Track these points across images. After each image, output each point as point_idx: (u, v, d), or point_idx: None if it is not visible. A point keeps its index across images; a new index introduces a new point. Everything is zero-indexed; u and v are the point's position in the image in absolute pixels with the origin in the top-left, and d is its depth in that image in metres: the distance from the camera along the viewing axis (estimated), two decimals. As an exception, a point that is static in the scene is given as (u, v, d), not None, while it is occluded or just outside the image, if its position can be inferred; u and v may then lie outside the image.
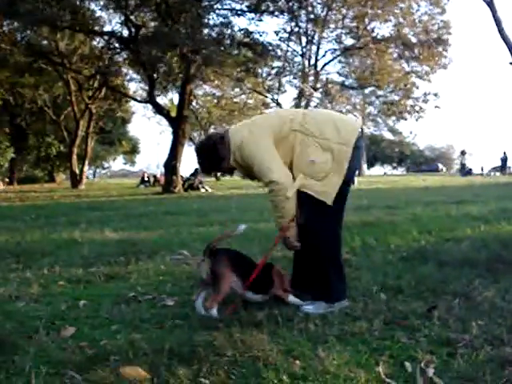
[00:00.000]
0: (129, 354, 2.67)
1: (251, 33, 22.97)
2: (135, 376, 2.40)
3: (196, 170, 25.20)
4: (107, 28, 26.45)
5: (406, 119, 35.63)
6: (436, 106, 36.09)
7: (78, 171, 32.41)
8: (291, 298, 3.58)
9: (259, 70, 26.78)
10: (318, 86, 32.00)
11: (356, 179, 26.84)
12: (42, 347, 2.90)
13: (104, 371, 2.46)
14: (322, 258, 3.54)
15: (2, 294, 4.25)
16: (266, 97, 34.91)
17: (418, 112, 33.85)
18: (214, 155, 3.72)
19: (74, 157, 32.55)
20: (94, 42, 29.46)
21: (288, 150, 3.53)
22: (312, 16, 29.06)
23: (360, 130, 3.66)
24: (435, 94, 34.15)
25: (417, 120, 33.92)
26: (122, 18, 22.64)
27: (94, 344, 2.92)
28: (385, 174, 71.42)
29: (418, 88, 33.63)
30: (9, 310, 3.74)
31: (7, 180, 43.68)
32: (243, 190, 20.88)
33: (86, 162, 33.81)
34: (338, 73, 35.93)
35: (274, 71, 30.03)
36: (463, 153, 39.73)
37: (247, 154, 3.55)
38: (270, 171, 3.45)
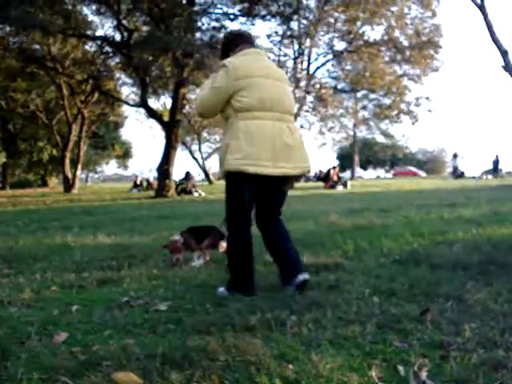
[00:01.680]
0: (121, 360, 2.66)
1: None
2: (128, 381, 2.39)
3: (187, 173, 25.18)
4: (99, 32, 26.58)
5: (401, 122, 35.73)
6: (428, 110, 36.28)
7: (70, 175, 32.34)
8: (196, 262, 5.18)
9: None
10: (311, 89, 32.06)
11: (349, 182, 26.96)
12: (35, 353, 2.88)
13: (96, 377, 2.45)
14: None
15: (-6, 299, 4.23)
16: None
17: (411, 115, 33.97)
18: (224, 48, 4.43)
19: (67, 161, 32.50)
20: (87, 47, 29.52)
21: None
22: (304, 20, 29.15)
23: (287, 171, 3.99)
24: (427, 98, 34.32)
25: (413, 124, 34.06)
26: (115, 23, 22.66)
27: (86, 349, 2.90)
28: (378, 177, 71.58)
29: (410, 91, 33.78)
30: (1, 315, 3.72)
31: (-1, 185, 43.64)
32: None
33: (79, 167, 33.72)
34: (330, 76, 36.04)
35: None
36: (455, 156, 39.78)
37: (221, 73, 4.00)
38: (202, 98, 4.09)
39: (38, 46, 28.25)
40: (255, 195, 4.06)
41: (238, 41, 4.30)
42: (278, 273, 4.22)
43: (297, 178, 4.36)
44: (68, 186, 31.67)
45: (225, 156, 3.93)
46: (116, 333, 3.20)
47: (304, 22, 29.23)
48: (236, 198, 4.01)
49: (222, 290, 4.09)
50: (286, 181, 4.13)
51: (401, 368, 2.50)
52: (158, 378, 2.42)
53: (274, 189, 4.14)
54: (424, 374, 2.41)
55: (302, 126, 35.61)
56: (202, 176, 47.53)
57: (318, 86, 32.56)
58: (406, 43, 31.31)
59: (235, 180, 3.95)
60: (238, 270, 4.07)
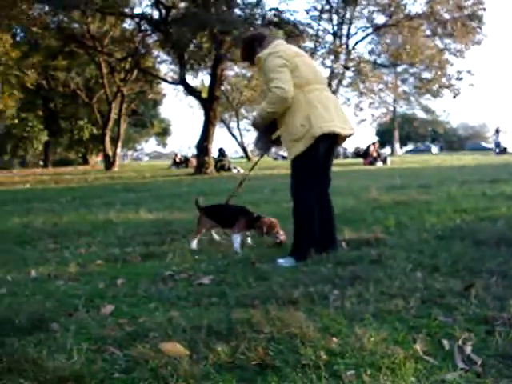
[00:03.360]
0: (167, 331, 2.71)
1: (282, 12, 22.80)
2: (175, 352, 2.44)
3: (220, 149, 25.19)
4: (138, 10, 26.58)
5: (441, 96, 35.04)
6: (470, 84, 35.46)
7: (111, 153, 32.73)
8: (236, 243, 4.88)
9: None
10: (350, 64, 31.65)
11: (389, 158, 26.67)
12: (83, 324, 2.96)
13: (144, 347, 2.50)
14: (296, 213, 4.46)
15: (41, 273, 4.35)
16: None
17: (453, 89, 33.28)
18: (249, 50, 4.64)
19: (107, 139, 32.88)
20: (125, 25, 29.64)
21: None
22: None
23: (341, 132, 4.38)
24: (469, 72, 33.56)
25: (454, 97, 33.29)
26: (153, 0, 22.66)
27: (133, 321, 2.97)
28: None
29: (452, 65, 33.05)
30: (48, 288, 3.83)
31: (41, 163, 44.44)
32: (275, 170, 20.84)
33: (119, 144, 34.10)
34: (369, 51, 35.51)
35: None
36: (497, 131, 38.92)
37: (269, 67, 4.29)
38: (282, 81, 4.20)
39: (77, 25, 28.47)
40: (328, 158, 4.57)
41: (261, 37, 4.62)
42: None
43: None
44: (108, 163, 32.09)
45: (298, 129, 4.27)
46: (161, 305, 3.26)
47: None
48: (314, 161, 4.37)
49: (283, 260, 4.27)
50: (337, 144, 4.62)
51: (445, 342, 2.48)
52: (204, 349, 2.47)
53: (332, 152, 4.64)
54: (469, 348, 2.40)
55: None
56: (241, 153, 47.62)
57: (356, 60, 32.10)
58: (447, 16, 30.58)
59: (317, 144, 4.28)
60: (309, 237, 4.38)
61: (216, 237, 5.43)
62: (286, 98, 4.22)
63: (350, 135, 4.54)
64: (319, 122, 4.23)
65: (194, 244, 5.12)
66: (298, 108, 4.29)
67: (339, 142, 4.57)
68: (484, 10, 30.09)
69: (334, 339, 2.52)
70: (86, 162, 47.66)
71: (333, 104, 4.44)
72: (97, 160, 48.52)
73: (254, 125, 4.66)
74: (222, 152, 24.99)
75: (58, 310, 3.25)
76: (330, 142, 4.41)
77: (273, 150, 5.22)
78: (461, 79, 32.17)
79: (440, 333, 2.61)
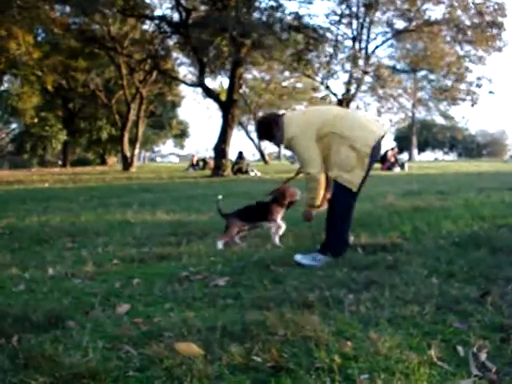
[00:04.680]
0: (182, 331, 2.73)
1: (301, 16, 22.81)
2: (189, 352, 2.45)
3: (240, 153, 25.23)
4: (158, 12, 26.71)
5: (458, 104, 34.85)
6: (490, 92, 35.29)
7: (129, 154, 32.89)
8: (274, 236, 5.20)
9: (309, 55, 26.42)
10: (369, 69, 31.57)
11: (406, 164, 26.54)
12: (98, 323, 2.99)
13: (159, 346, 2.52)
14: (335, 215, 4.55)
15: (59, 271, 4.39)
16: (315, 80, 34.53)
17: (471, 97, 33.07)
18: (267, 131, 4.94)
19: (126, 140, 33.04)
20: (145, 27, 29.81)
21: (325, 147, 4.55)
22: (363, -1, 28.65)
23: (382, 134, 4.63)
24: (489, 80, 33.32)
25: (472, 106, 33.08)
26: (173, 2, 22.76)
27: (148, 320, 3.00)
28: (436, 159, 70.25)
29: (471, 72, 32.84)
30: (65, 286, 3.86)
31: (60, 162, 44.78)
32: (291, 174, 20.81)
33: (137, 145, 34.24)
34: (389, 56, 35.38)
35: (324, 59, 29.52)
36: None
37: (297, 149, 4.67)
38: (311, 166, 4.56)
39: (97, 27, 28.67)
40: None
41: (276, 118, 4.87)
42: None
43: None
44: (126, 164, 32.23)
45: (349, 159, 4.48)
46: (176, 305, 3.28)
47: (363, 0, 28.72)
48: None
49: (307, 261, 4.39)
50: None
51: (460, 348, 2.48)
52: (219, 350, 2.48)
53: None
54: (483, 356, 2.39)
55: (357, 107, 35.14)
56: (258, 156, 47.67)
57: (376, 65, 31.99)
58: (467, 23, 30.38)
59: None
60: (344, 234, 4.61)
61: (237, 241, 5.43)
62: (314, 181, 4.58)
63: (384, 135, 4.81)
64: (362, 141, 4.47)
65: (221, 244, 5.21)
66: (338, 147, 4.51)
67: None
68: (505, 16, 29.84)
69: (349, 343, 2.52)
70: (103, 162, 47.91)
71: (357, 116, 4.86)
72: (115, 160, 48.80)
73: (310, 206, 4.83)
74: (240, 155, 25.02)
75: (75, 307, 3.30)
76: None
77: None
78: (480, 86, 31.93)
79: (455, 339, 2.61)
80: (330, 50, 28.65)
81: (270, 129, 4.88)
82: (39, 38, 30.41)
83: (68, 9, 24.00)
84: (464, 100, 33.37)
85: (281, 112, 5.19)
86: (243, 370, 2.31)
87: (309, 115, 4.90)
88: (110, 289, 3.76)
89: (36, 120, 38.20)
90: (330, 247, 4.47)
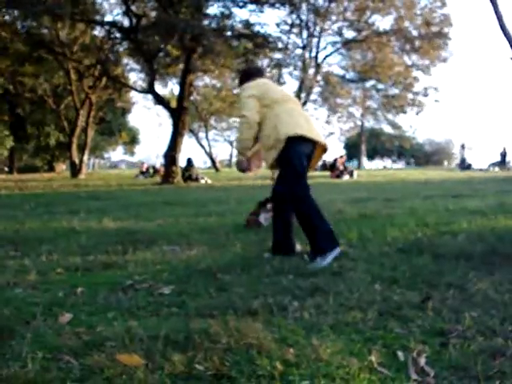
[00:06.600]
0: (125, 341, 2.69)
1: (252, 24, 22.92)
2: (131, 362, 2.42)
3: (189, 160, 25.11)
4: (108, 18, 26.47)
5: (405, 112, 35.62)
6: (436, 100, 36.20)
7: (77, 161, 32.37)
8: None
9: (259, 62, 26.60)
10: (319, 78, 31.95)
11: (355, 172, 26.92)
12: (39, 333, 2.92)
13: (100, 357, 2.48)
14: (299, 217, 4.82)
15: (0, 281, 4.27)
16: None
17: (417, 106, 33.84)
18: (243, 79, 5.32)
19: (74, 146, 32.50)
20: (95, 32, 29.47)
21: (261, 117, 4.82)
22: (314, 8, 28.99)
23: (313, 138, 4.83)
24: (435, 88, 34.15)
25: (417, 114, 33.91)
26: (124, 8, 22.60)
27: (90, 330, 2.94)
28: (384, 167, 71.44)
29: (418, 81, 33.59)
30: (6, 296, 3.77)
31: (6, 169, 43.76)
32: (242, 181, 20.87)
33: (86, 152, 33.72)
34: (338, 66, 35.88)
35: (273, 63, 29.78)
36: (463, 147, 39.63)
37: (241, 97, 4.98)
38: (246, 109, 4.80)
39: (46, 31, 28.21)
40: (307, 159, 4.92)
41: (257, 72, 5.40)
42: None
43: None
44: (75, 171, 31.72)
45: (269, 138, 4.76)
46: (120, 315, 3.24)
47: (313, 9, 29.07)
48: (296, 161, 4.77)
49: (316, 261, 4.50)
50: (313, 153, 4.98)
51: (400, 354, 2.52)
52: (161, 359, 2.46)
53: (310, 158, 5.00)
54: (423, 360, 2.44)
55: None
56: (209, 163, 47.57)
57: (325, 75, 32.42)
58: (415, 33, 31.09)
59: (289, 148, 4.69)
60: (322, 232, 4.68)
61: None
62: (247, 122, 4.78)
63: (325, 148, 5.07)
64: (284, 128, 4.67)
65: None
66: (268, 122, 4.78)
67: (317, 153, 5.03)
68: (450, 26, 30.65)
69: (291, 350, 2.54)
70: (52, 169, 47.04)
71: (297, 112, 4.93)
72: (63, 167, 47.98)
73: (240, 153, 5.05)
74: (189, 162, 24.92)
75: (16, 318, 3.21)
76: (305, 149, 4.83)
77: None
78: (427, 95, 32.71)
79: (395, 344, 2.65)
80: (280, 55, 28.93)
81: (246, 76, 5.29)
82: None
83: (16, 13, 23.51)
84: (412, 108, 34.15)
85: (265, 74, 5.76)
86: (185, 379, 2.30)
87: (271, 85, 5.15)
88: (52, 298, 3.68)
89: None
90: (319, 246, 4.62)
